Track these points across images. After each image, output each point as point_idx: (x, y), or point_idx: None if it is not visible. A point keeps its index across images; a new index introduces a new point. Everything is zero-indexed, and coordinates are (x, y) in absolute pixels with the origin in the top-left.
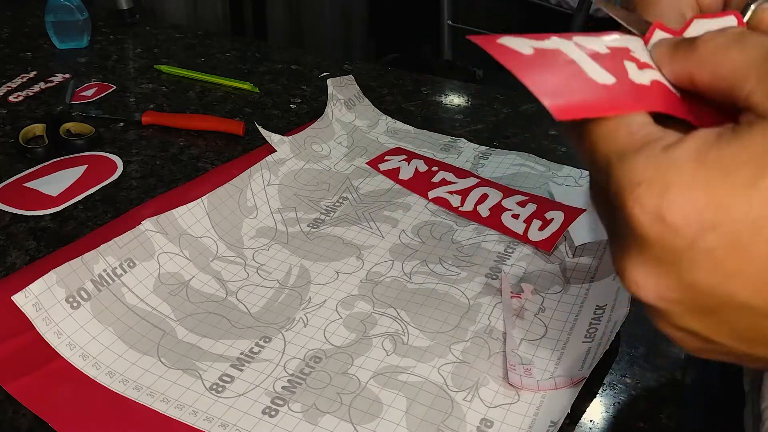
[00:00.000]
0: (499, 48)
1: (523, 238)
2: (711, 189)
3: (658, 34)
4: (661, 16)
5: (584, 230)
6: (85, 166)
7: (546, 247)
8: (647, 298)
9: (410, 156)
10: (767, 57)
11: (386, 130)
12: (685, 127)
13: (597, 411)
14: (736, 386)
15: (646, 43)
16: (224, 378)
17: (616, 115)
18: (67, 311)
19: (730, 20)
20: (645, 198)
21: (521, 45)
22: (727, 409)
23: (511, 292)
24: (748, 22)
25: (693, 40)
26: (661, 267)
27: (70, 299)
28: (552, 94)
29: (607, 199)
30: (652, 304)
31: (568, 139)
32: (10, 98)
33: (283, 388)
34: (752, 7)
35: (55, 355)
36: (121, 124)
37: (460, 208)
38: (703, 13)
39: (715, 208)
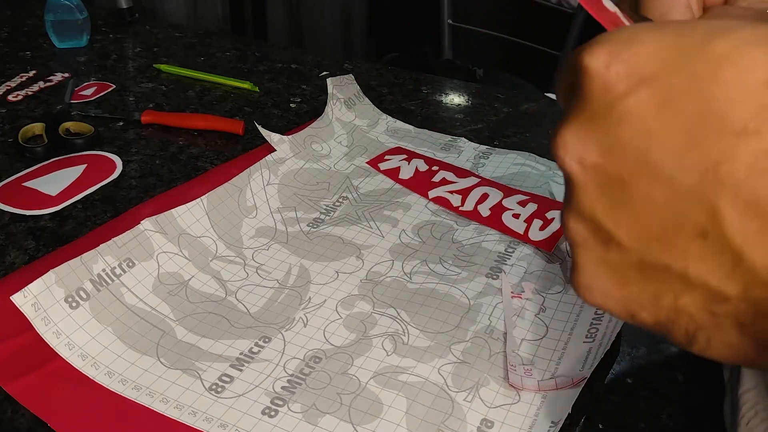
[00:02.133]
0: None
1: (524, 238)
2: (660, 44)
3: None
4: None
5: None
6: (84, 166)
7: (547, 246)
8: (571, 160)
9: (410, 155)
10: None
11: (386, 130)
12: None
13: (598, 412)
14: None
15: None
16: (224, 378)
17: None
18: (66, 311)
19: None
20: (598, 51)
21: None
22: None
23: (512, 292)
24: None
25: None
26: (591, 125)
27: (69, 299)
28: None
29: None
30: (571, 176)
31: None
32: (10, 97)
33: (282, 388)
34: None
35: (54, 355)
36: (121, 124)
37: (460, 208)
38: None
39: (658, 60)
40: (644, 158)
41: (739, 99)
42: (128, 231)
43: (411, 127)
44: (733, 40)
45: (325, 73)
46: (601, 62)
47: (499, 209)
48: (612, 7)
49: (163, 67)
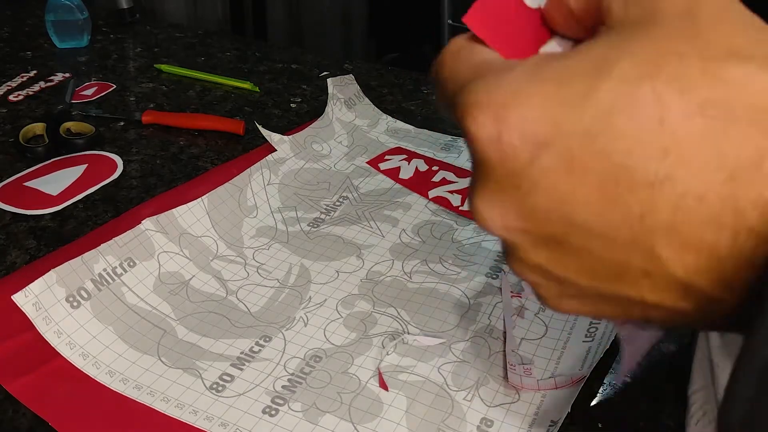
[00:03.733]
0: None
1: None
2: (544, 103)
3: None
4: None
5: None
6: (85, 166)
7: None
8: (494, 229)
9: (410, 155)
10: None
11: (386, 130)
12: None
13: (597, 411)
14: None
15: None
16: (224, 377)
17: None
18: (67, 311)
19: None
20: (482, 119)
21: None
22: None
23: (512, 292)
24: None
25: None
26: (503, 194)
27: (70, 299)
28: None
29: None
30: (501, 238)
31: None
32: (11, 97)
33: (283, 387)
34: None
35: (55, 354)
36: (122, 124)
37: (460, 208)
38: None
39: (548, 122)
40: (568, 220)
41: (638, 147)
42: (129, 231)
43: (411, 127)
44: (615, 83)
45: (325, 73)
46: (490, 132)
47: None
48: None
49: (164, 67)
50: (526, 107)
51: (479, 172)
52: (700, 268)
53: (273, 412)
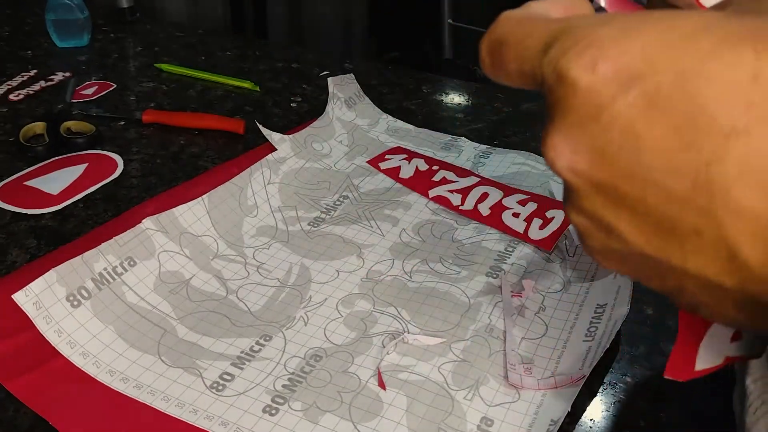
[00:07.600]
0: None
1: (524, 237)
2: (647, 42)
3: None
4: None
5: None
6: (85, 165)
7: (546, 245)
8: (560, 166)
9: (411, 155)
10: None
11: (387, 129)
12: None
13: (597, 410)
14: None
15: None
16: (224, 376)
17: None
18: (68, 310)
19: None
20: (581, 50)
21: None
22: (728, 409)
23: (512, 291)
24: None
25: None
26: (579, 128)
27: (71, 298)
28: None
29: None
30: (564, 177)
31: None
32: (11, 96)
33: (283, 386)
34: None
35: (55, 353)
36: (122, 123)
37: (460, 207)
38: None
39: (645, 59)
40: (635, 162)
41: (726, 96)
42: (129, 230)
43: (411, 127)
44: (720, 35)
45: (325, 72)
46: (586, 62)
47: (499, 208)
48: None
49: (164, 66)
50: (627, 42)
51: (560, 108)
52: (751, 241)
53: (273, 411)
